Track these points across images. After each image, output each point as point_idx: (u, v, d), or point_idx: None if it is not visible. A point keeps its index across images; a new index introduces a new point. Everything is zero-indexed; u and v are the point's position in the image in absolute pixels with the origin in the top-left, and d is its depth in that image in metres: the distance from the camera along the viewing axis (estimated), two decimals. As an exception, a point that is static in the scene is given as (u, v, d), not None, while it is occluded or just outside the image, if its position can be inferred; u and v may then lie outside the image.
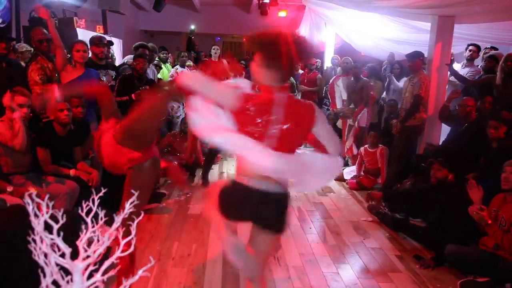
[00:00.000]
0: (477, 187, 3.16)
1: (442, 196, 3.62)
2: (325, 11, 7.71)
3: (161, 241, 3.53)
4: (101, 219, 0.92)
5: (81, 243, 0.89)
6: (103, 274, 0.90)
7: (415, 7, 4.87)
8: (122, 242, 0.91)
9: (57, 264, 0.87)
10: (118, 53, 7.62)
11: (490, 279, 2.90)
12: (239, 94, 1.78)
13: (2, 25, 5.56)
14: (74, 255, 0.89)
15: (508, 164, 3.11)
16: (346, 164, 6.16)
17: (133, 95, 4.47)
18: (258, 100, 1.79)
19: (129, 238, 0.92)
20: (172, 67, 7.22)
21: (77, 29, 6.08)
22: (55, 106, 3.56)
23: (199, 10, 11.28)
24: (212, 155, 5.31)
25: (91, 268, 0.89)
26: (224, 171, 5.97)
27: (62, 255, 0.87)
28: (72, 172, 3.65)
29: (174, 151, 5.87)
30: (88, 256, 0.89)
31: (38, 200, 0.86)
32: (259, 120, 1.77)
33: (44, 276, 0.86)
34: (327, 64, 8.66)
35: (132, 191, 1.01)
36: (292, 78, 7.21)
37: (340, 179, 5.62)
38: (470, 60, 5.53)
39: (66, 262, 0.87)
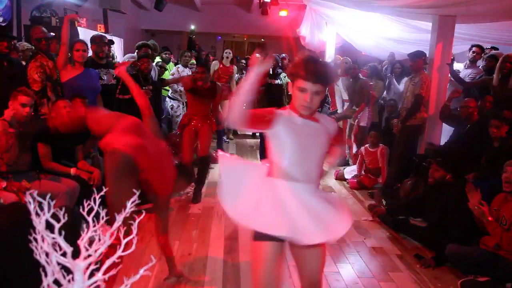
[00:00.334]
0: (475, 189, 3.16)
1: (442, 196, 3.62)
2: (326, 10, 7.70)
3: (162, 240, 3.53)
4: (102, 218, 0.92)
5: (82, 242, 0.90)
6: (104, 273, 0.90)
7: (416, 7, 4.86)
8: (123, 242, 0.91)
9: (59, 263, 0.87)
10: (119, 52, 7.62)
11: (490, 278, 2.90)
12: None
13: (3, 24, 5.56)
14: (75, 254, 0.89)
15: (509, 164, 3.11)
16: (346, 164, 6.16)
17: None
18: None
19: (131, 237, 0.92)
20: (174, 65, 7.22)
21: (78, 28, 6.08)
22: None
23: (200, 9, 11.28)
24: (204, 166, 4.98)
25: (92, 267, 0.89)
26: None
27: (64, 254, 0.87)
28: (72, 171, 3.59)
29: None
30: (89, 255, 0.89)
31: (39, 199, 0.86)
32: None
33: (46, 275, 0.86)
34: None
35: (134, 190, 1.01)
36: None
37: (341, 178, 5.62)
38: (473, 62, 5.51)
39: (68, 261, 0.87)
